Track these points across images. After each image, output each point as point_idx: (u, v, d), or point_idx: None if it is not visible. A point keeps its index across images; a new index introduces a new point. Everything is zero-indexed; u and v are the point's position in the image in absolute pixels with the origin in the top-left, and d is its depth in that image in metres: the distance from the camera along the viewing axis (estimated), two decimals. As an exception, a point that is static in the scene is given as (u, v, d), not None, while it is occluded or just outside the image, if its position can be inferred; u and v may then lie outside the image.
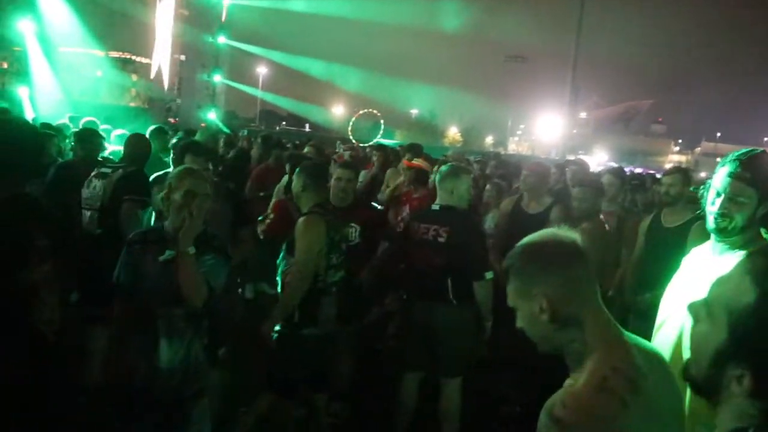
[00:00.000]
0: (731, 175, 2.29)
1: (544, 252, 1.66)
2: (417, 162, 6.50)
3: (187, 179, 3.08)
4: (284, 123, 77.40)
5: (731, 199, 2.30)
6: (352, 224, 4.77)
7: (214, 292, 3.03)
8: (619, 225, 5.27)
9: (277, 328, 3.90)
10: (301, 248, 3.81)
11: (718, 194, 2.34)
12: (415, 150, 7.80)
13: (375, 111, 39.04)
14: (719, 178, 2.34)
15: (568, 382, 1.57)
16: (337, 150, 12.68)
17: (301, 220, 3.91)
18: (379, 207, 6.25)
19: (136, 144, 5.14)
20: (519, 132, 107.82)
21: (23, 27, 13.85)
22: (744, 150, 2.35)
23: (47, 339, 2.68)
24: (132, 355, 2.98)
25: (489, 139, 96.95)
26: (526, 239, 1.74)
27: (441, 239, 4.15)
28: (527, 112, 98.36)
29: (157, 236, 3.10)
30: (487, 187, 6.26)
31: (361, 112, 38.85)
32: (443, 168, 4.45)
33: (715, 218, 2.35)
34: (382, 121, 37.82)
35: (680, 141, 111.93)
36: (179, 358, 2.98)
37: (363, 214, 4.91)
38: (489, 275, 4.09)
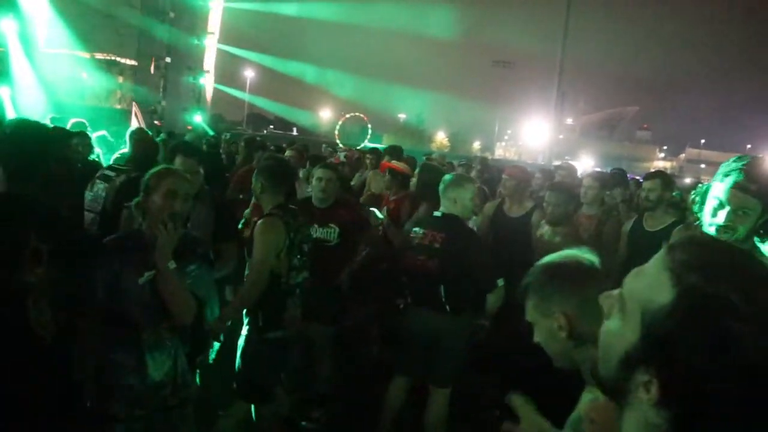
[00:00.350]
0: (736, 186, 2.23)
1: (564, 272, 1.73)
2: (396, 164, 6.47)
3: (167, 179, 2.91)
4: (272, 126, 77.31)
5: (735, 211, 2.24)
6: (332, 225, 4.75)
7: (202, 303, 2.89)
8: (598, 228, 5.27)
9: (244, 333, 3.87)
10: (257, 249, 3.76)
11: (722, 206, 2.26)
12: (395, 152, 7.82)
13: (361, 115, 39.25)
14: (722, 189, 2.26)
15: (588, 396, 1.63)
16: (323, 153, 12.68)
17: (259, 222, 3.88)
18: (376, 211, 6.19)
19: (142, 147, 4.93)
20: (506, 137, 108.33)
21: (5, 26, 13.69)
22: (743, 157, 2.29)
23: (45, 341, 2.62)
24: (116, 372, 2.82)
25: (476, 144, 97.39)
26: (546, 258, 1.81)
27: (436, 245, 4.12)
28: (514, 118, 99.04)
29: (136, 243, 2.88)
30: (470, 191, 6.22)
31: (347, 116, 38.97)
32: (447, 177, 4.40)
33: (718, 230, 2.27)
34: (369, 125, 38.17)
35: (665, 147, 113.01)
36: (165, 370, 2.86)
37: (343, 215, 4.87)
38: (500, 282, 4.07)
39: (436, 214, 4.29)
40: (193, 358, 3.11)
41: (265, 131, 59.13)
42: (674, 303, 0.88)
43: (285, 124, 79.14)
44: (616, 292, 1.03)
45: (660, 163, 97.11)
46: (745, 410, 0.81)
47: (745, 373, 0.80)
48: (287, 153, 7.78)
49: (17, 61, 14.14)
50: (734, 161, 2.29)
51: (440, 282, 4.10)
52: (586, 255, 1.76)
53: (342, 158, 9.30)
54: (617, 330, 1.00)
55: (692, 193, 2.47)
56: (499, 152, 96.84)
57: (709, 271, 0.87)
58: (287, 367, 3.99)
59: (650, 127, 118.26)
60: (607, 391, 1.03)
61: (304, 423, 4.65)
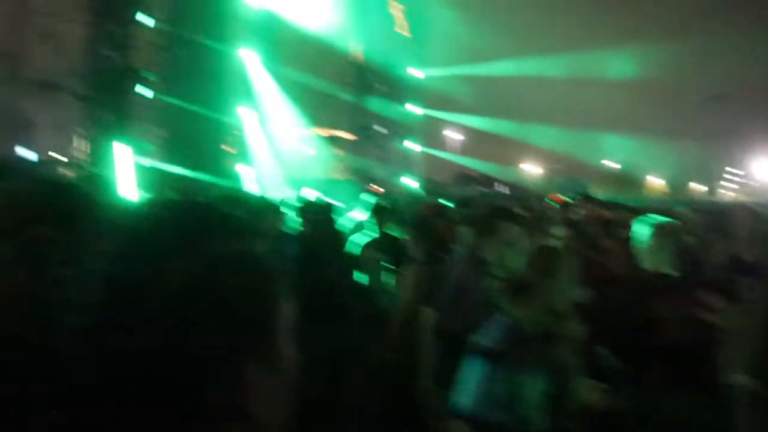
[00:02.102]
0: None
1: None
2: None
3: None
4: (478, 186, 78.21)
5: None
6: None
7: None
8: None
9: None
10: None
11: None
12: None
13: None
14: None
15: None
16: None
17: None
18: None
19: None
20: (730, 176, 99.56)
21: (242, 113, 15.41)
22: None
23: None
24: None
25: (696, 187, 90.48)
26: None
27: None
28: (738, 155, 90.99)
29: None
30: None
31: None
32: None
33: None
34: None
35: None
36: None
37: None
38: None
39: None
40: None
41: (472, 190, 59.80)
42: None
43: (488, 180, 79.54)
44: None
45: None
46: None
47: None
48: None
49: (255, 143, 15.75)
50: None
51: None
52: None
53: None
54: None
55: None
56: (723, 193, 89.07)
57: None
58: None
59: None
60: None
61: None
